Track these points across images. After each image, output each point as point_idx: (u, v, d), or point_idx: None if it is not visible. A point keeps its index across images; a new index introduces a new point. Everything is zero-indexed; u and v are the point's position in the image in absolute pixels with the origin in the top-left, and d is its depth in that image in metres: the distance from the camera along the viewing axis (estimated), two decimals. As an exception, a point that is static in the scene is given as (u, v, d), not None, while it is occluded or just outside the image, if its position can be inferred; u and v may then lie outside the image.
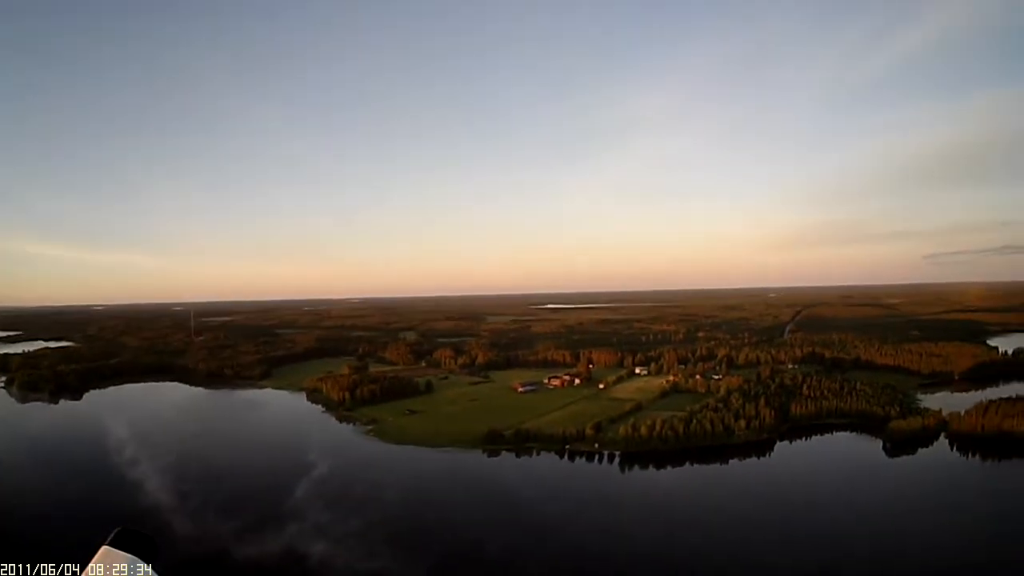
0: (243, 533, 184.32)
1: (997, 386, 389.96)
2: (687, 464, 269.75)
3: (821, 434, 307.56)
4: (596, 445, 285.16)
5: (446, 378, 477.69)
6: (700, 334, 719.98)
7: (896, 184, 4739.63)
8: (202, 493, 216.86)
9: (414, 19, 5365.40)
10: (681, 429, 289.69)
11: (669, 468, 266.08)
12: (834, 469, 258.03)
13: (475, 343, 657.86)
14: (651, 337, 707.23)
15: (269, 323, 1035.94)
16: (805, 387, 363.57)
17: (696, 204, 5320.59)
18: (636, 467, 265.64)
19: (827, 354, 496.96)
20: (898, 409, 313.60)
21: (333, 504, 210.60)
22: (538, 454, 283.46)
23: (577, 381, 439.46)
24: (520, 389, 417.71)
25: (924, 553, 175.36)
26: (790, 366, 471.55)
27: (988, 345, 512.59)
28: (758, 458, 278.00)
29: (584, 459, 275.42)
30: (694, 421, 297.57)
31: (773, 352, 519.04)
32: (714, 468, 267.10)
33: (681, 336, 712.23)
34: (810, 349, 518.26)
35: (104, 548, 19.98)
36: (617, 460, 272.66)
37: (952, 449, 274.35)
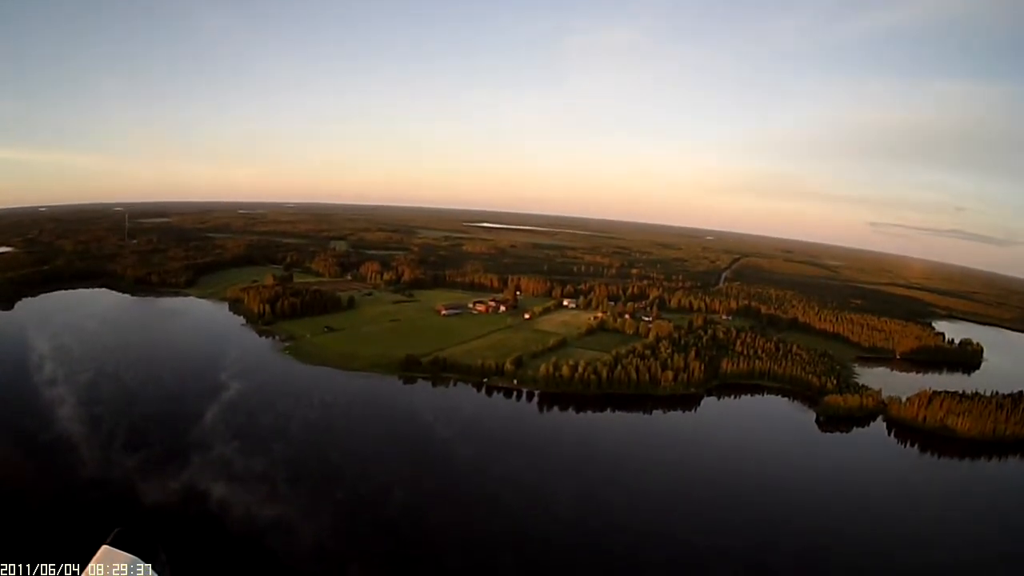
0: (147, 467, 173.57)
1: (940, 373, 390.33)
2: (608, 411, 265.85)
3: (752, 395, 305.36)
4: (515, 381, 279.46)
5: (370, 294, 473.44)
6: (634, 271, 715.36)
7: (850, 149, 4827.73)
8: (112, 418, 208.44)
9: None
10: (605, 374, 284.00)
11: (589, 412, 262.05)
12: (761, 437, 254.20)
13: (403, 258, 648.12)
14: (583, 268, 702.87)
15: (203, 226, 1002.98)
16: (739, 343, 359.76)
17: (645, 139, 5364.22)
18: (556, 408, 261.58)
19: (763, 310, 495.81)
20: (835, 381, 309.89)
21: (239, 435, 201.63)
22: (455, 384, 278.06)
23: (502, 308, 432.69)
24: (444, 312, 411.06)
25: (839, 542, 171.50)
26: (724, 317, 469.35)
27: (933, 328, 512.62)
28: (683, 412, 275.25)
29: (502, 395, 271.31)
30: (619, 367, 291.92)
31: (707, 300, 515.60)
32: (636, 419, 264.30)
33: (614, 271, 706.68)
34: (746, 302, 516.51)
35: (104, 548, 20.63)
36: (536, 399, 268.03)
37: (890, 435, 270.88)
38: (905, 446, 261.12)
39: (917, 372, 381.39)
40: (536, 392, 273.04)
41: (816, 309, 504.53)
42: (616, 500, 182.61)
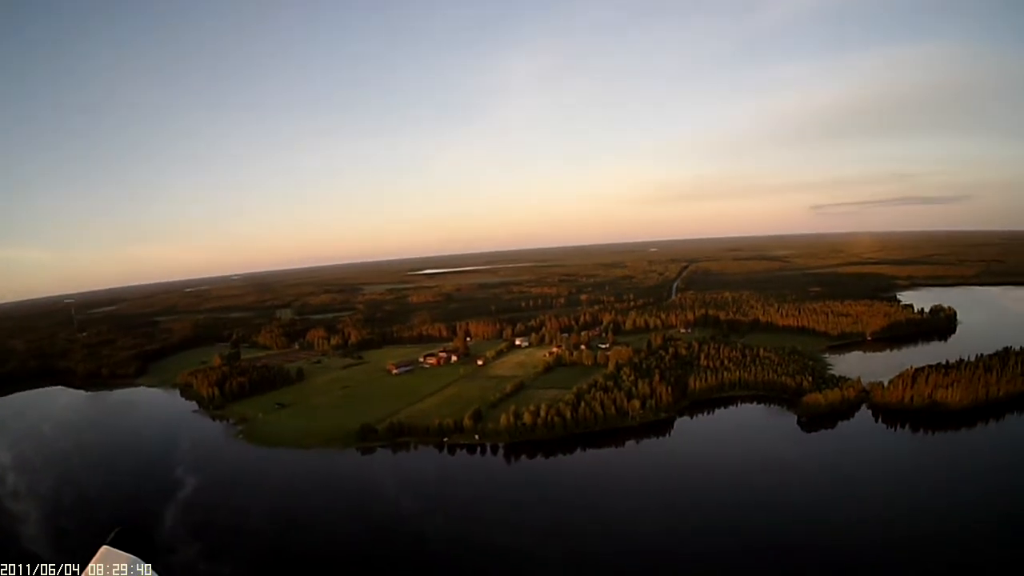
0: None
1: (916, 345, 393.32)
2: (579, 451, 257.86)
3: (726, 408, 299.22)
4: (477, 437, 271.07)
5: (319, 362, 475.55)
6: (583, 297, 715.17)
7: (784, 137, 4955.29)
8: (77, 529, 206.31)
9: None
10: (569, 414, 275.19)
11: (560, 456, 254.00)
12: (745, 451, 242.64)
13: (349, 320, 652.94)
14: (532, 303, 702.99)
15: (151, 310, 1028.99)
16: (703, 357, 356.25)
17: (571, 162, 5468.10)
18: (523, 458, 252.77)
19: (722, 316, 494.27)
20: (810, 379, 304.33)
21: (200, 536, 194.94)
22: (416, 448, 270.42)
23: (454, 358, 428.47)
24: (395, 371, 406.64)
25: (857, 553, 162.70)
26: (683, 331, 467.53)
27: (899, 302, 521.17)
28: (657, 439, 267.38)
29: (465, 452, 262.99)
30: (582, 404, 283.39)
31: (663, 316, 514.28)
32: (610, 455, 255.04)
33: (563, 300, 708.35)
34: (703, 311, 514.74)
35: (104, 548, 20.95)
36: (501, 452, 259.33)
37: (878, 422, 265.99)
38: (896, 430, 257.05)
39: (893, 350, 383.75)
40: (501, 445, 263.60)
41: (776, 305, 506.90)
42: (606, 551, 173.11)
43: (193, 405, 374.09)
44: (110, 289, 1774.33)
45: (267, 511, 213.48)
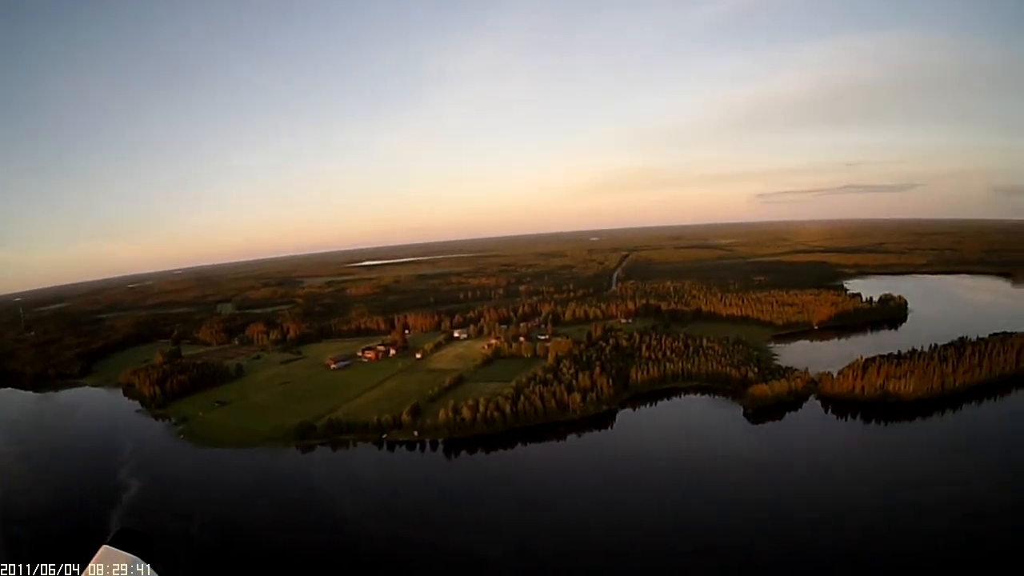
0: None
1: (865, 334, 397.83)
2: (520, 445, 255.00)
3: (669, 399, 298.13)
4: (416, 433, 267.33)
5: (258, 357, 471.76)
6: (522, 287, 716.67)
7: (731, 126, 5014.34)
8: (30, 538, 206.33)
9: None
10: (508, 408, 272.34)
11: (500, 452, 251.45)
12: (690, 443, 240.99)
13: (288, 314, 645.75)
14: (470, 294, 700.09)
15: (96, 307, 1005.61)
16: (644, 348, 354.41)
17: (515, 150, 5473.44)
18: (464, 454, 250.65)
19: (663, 306, 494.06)
20: (756, 370, 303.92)
21: None
22: (355, 446, 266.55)
23: (392, 352, 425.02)
24: (333, 365, 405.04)
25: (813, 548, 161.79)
26: (623, 321, 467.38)
27: (847, 291, 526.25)
28: (599, 432, 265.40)
29: (405, 448, 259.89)
30: (522, 397, 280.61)
31: (603, 307, 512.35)
32: (551, 450, 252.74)
33: (502, 291, 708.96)
34: (644, 301, 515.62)
35: (104, 548, 21.60)
36: (441, 448, 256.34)
37: (827, 413, 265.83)
38: (846, 421, 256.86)
39: (841, 339, 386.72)
40: (440, 441, 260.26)
41: (719, 295, 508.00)
42: (552, 548, 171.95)
43: (136, 405, 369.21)
44: (58, 286, 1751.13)
45: (209, 518, 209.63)
